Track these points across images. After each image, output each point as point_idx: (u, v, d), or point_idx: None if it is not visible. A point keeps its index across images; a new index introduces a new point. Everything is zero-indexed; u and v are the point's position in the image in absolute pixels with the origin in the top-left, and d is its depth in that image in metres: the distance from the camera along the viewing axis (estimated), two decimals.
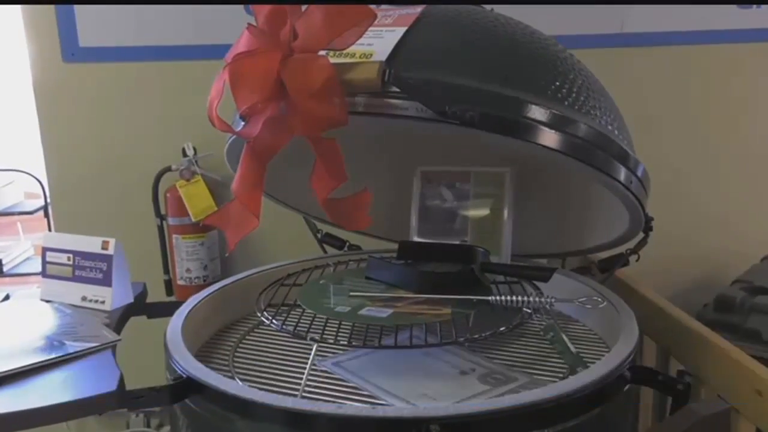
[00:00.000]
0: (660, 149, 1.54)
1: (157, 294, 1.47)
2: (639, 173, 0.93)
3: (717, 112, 1.55)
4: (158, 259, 1.47)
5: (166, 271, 1.47)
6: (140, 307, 1.02)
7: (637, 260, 1.08)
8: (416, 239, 1.20)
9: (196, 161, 1.40)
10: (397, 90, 0.74)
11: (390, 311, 0.88)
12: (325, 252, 1.27)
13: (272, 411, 0.70)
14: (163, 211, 1.43)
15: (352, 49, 0.84)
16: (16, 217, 1.75)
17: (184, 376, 0.78)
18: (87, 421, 1.59)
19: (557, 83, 0.86)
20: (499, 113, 0.79)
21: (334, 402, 0.78)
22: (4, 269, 1.50)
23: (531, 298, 0.87)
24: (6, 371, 0.73)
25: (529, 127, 0.80)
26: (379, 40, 0.84)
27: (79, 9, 1.39)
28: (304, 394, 0.81)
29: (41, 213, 1.53)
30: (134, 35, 1.42)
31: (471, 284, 0.94)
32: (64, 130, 1.45)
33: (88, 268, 0.95)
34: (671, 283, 1.56)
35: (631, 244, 1.09)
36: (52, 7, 1.38)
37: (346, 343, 0.81)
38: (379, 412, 0.68)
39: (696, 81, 1.53)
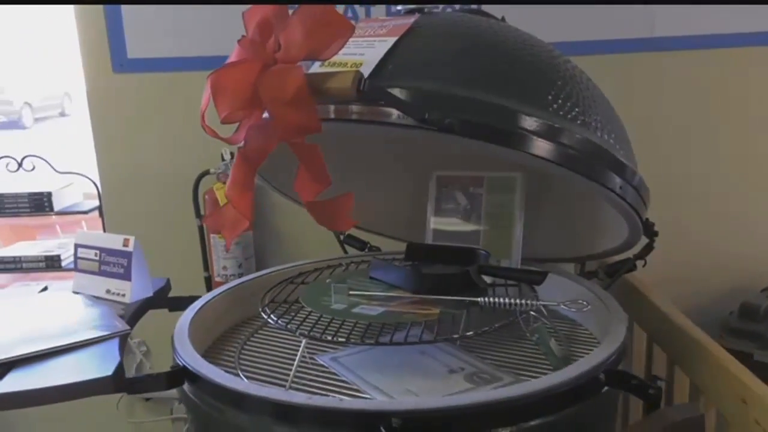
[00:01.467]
0: (691, 154, 1.50)
1: (198, 290, 1.54)
2: (635, 182, 0.91)
3: (750, 115, 1.49)
4: (200, 256, 1.54)
5: (206, 268, 1.54)
6: (162, 300, 1.07)
7: (644, 265, 1.06)
8: (431, 242, 1.21)
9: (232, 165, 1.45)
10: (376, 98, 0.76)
11: (382, 310, 0.90)
12: (346, 252, 1.30)
13: (249, 399, 0.74)
14: (202, 212, 1.50)
15: (344, 58, 0.87)
16: (80, 216, 1.87)
17: (181, 364, 0.82)
18: (135, 406, 1.68)
19: (546, 91, 0.85)
20: (477, 120, 0.79)
21: (318, 394, 0.80)
22: (63, 264, 1.61)
23: (518, 301, 0.87)
24: (20, 355, 0.80)
25: (510, 134, 0.80)
26: (370, 50, 0.87)
27: (127, 23, 1.48)
28: (291, 386, 0.84)
29: (96, 212, 1.62)
30: (177, 47, 1.49)
31: (466, 286, 0.95)
32: (114, 136, 1.54)
33: (111, 264, 1.02)
34: (703, 290, 1.52)
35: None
36: (103, 21, 1.47)
37: (330, 338, 0.84)
38: (345, 404, 0.71)
39: (729, 83, 1.47)
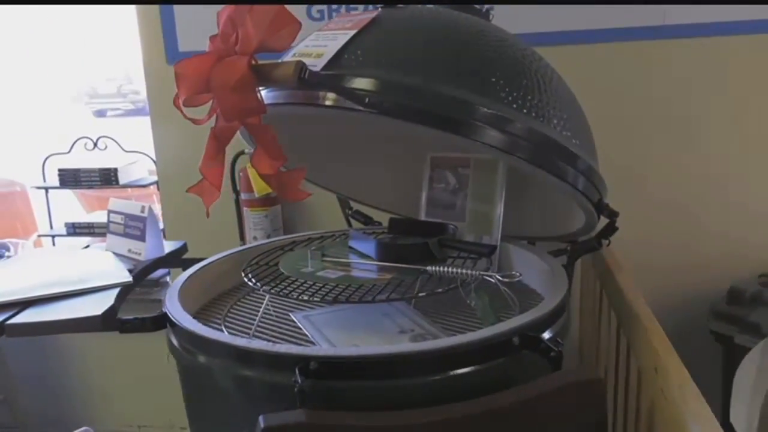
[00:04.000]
0: (707, 143, 1.48)
1: None
2: (584, 170, 0.93)
3: (756, 102, 1.44)
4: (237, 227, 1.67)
5: (242, 237, 1.66)
6: (177, 260, 1.19)
7: (608, 245, 1.07)
8: (424, 218, 1.27)
9: None
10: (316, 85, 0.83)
11: (341, 274, 0.98)
12: (350, 225, 1.38)
13: (205, 341, 0.83)
14: (238, 188, 1.62)
15: (308, 49, 0.95)
16: (151, 190, 2.05)
17: (164, 311, 0.93)
18: None
19: (492, 80, 0.88)
20: (414, 104, 0.84)
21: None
22: None
23: (460, 270, 0.92)
24: (38, 296, 0.94)
25: (443, 118, 0.85)
26: (333, 42, 0.94)
27: (179, 20, 1.61)
28: (254, 335, 0.93)
29: (155, 186, 1.78)
30: None
31: (425, 256, 1.00)
32: (168, 121, 1.68)
33: (132, 227, 1.15)
34: (707, 275, 1.48)
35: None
36: (159, 19, 1.62)
37: (285, 294, 0.92)
38: (275, 347, 0.79)
39: (741, 72, 1.43)
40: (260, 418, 0.68)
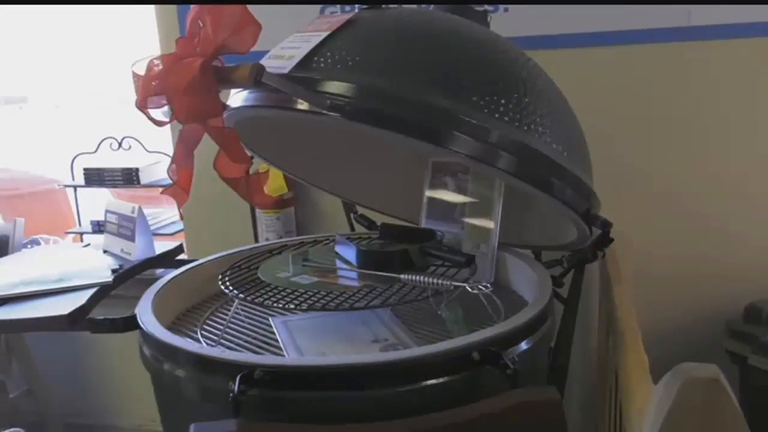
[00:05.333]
0: (729, 147, 1.39)
1: None
2: (570, 181, 0.89)
3: None
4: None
5: (256, 239, 1.67)
6: (169, 261, 1.20)
7: (602, 256, 1.02)
8: (424, 223, 1.24)
9: None
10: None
11: (315, 280, 0.96)
12: (353, 229, 1.36)
13: (160, 343, 0.83)
14: None
15: (283, 51, 0.94)
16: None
17: (135, 313, 0.94)
18: None
19: (465, 83, 0.85)
20: (378, 108, 0.82)
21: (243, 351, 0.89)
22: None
23: (432, 280, 0.89)
24: (14, 293, 0.96)
25: (412, 125, 0.82)
26: (306, 43, 0.92)
27: None
28: (222, 340, 0.93)
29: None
30: None
31: (406, 264, 0.97)
32: None
33: (124, 227, 1.16)
34: (742, 292, 1.38)
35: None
36: (176, 21, 1.64)
37: (253, 299, 0.90)
38: (225, 354, 0.78)
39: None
40: (191, 427, 0.67)
